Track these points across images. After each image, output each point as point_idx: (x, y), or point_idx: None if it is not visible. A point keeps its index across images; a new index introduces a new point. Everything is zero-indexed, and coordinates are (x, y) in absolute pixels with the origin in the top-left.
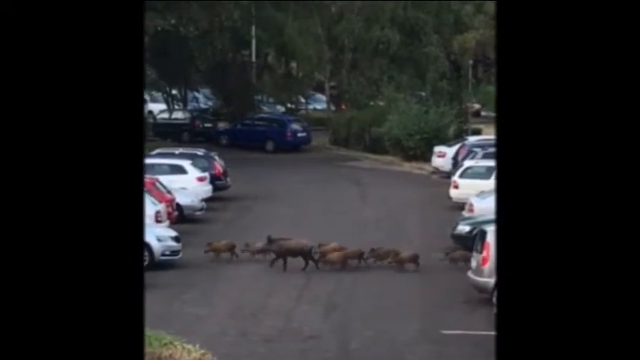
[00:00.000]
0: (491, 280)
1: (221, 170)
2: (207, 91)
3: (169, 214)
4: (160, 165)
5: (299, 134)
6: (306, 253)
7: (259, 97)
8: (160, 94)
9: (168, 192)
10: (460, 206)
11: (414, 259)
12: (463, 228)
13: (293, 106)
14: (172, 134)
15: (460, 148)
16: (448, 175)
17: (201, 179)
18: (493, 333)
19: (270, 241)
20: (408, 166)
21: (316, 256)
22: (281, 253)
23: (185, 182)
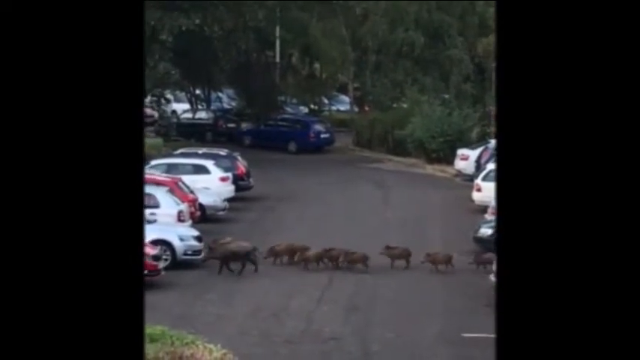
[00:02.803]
0: None
1: (244, 170)
2: (230, 91)
3: (192, 214)
4: (183, 165)
5: (322, 135)
6: (244, 256)
7: (283, 98)
8: (183, 93)
9: (191, 192)
10: (482, 209)
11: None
12: (485, 231)
13: (316, 107)
14: (196, 134)
15: (483, 150)
16: (471, 177)
17: (223, 179)
18: None
19: (210, 248)
20: (431, 169)
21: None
22: (224, 258)
23: (208, 182)
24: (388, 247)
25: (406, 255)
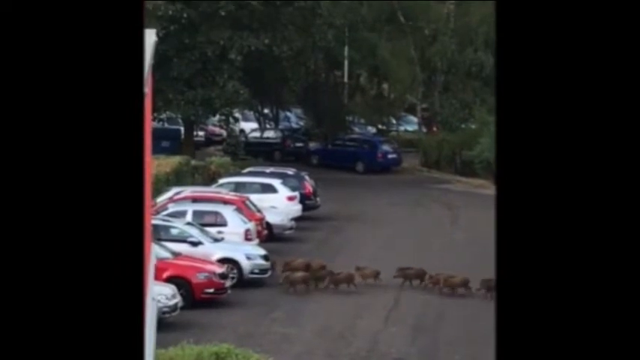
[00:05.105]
0: None
1: (311, 190)
2: (298, 110)
3: (259, 233)
4: (250, 183)
5: (389, 155)
6: None
7: (350, 118)
8: (251, 113)
9: (259, 210)
10: None
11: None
12: None
13: (384, 128)
14: (264, 153)
15: None
16: None
17: (291, 198)
18: None
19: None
20: None
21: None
22: None
23: (275, 201)
24: (401, 269)
25: (421, 275)
